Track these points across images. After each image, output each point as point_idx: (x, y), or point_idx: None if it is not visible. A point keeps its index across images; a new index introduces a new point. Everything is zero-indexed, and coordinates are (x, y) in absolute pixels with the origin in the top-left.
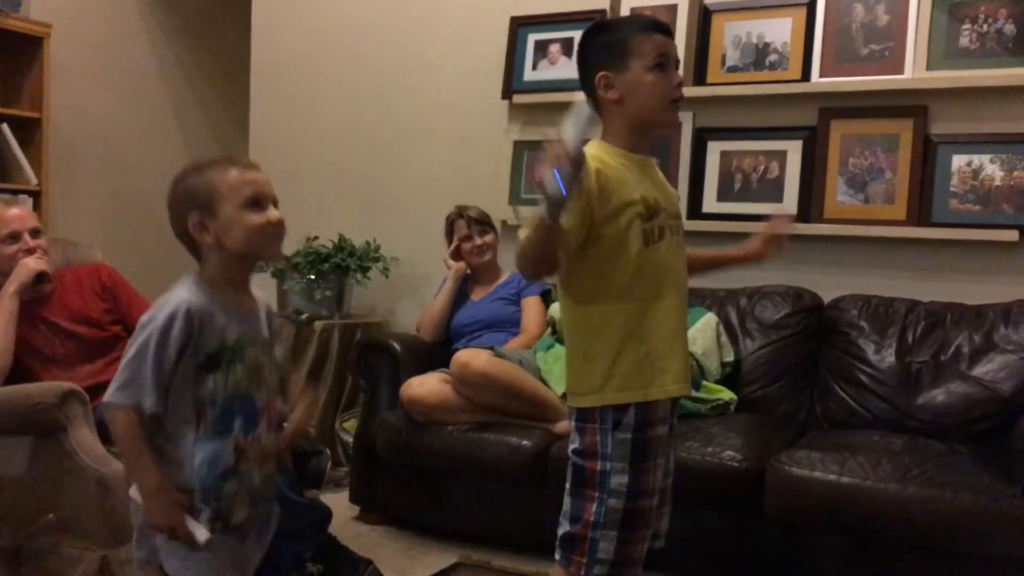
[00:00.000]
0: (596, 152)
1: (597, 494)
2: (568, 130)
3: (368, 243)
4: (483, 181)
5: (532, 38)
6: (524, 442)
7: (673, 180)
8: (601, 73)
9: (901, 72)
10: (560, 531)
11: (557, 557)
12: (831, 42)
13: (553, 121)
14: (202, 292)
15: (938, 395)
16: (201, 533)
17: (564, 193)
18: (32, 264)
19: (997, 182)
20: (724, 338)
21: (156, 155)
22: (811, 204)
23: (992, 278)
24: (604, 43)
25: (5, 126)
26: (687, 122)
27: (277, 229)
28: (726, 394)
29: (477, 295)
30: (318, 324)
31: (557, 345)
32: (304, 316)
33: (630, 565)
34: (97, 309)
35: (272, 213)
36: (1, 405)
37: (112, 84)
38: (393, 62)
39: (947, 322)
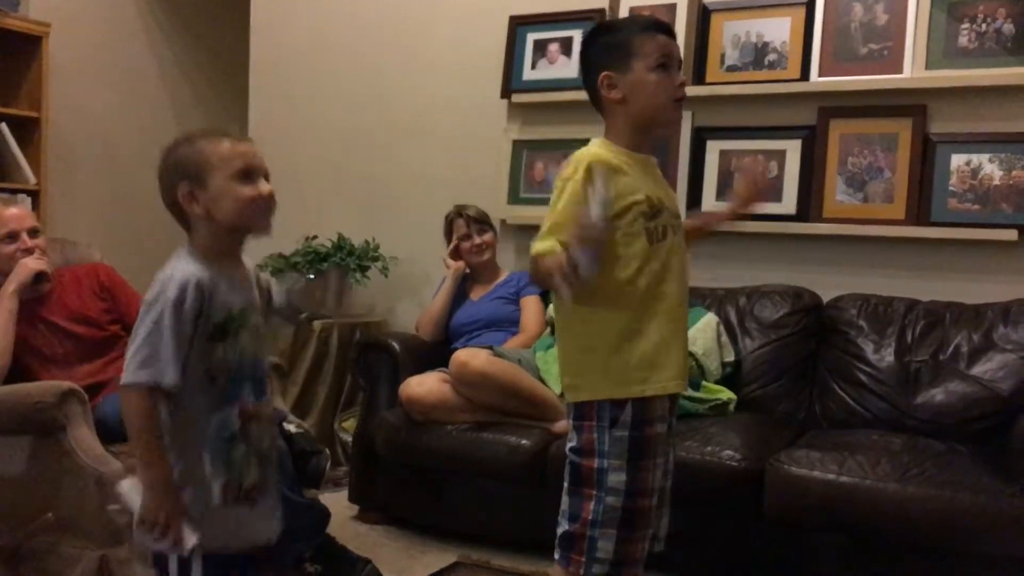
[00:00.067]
0: (599, 152)
1: (595, 492)
2: (594, 210)
3: (367, 242)
4: (482, 180)
5: (531, 37)
6: (523, 441)
7: (672, 179)
8: (604, 73)
9: (900, 71)
10: (559, 530)
11: (556, 556)
12: (830, 41)
13: (553, 120)
14: (202, 263)
15: (937, 394)
16: (190, 540)
17: (596, 270)
18: (32, 264)
19: (996, 181)
20: (724, 338)
21: (155, 155)
22: (810, 203)
23: (991, 277)
24: (607, 44)
25: (4, 125)
26: (686, 121)
27: (267, 202)
28: (725, 394)
29: (476, 294)
30: (317, 323)
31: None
32: (303, 315)
33: (630, 565)
34: (96, 309)
35: (263, 186)
36: (0, 404)
37: (111, 83)
38: (392, 61)
39: (946, 321)
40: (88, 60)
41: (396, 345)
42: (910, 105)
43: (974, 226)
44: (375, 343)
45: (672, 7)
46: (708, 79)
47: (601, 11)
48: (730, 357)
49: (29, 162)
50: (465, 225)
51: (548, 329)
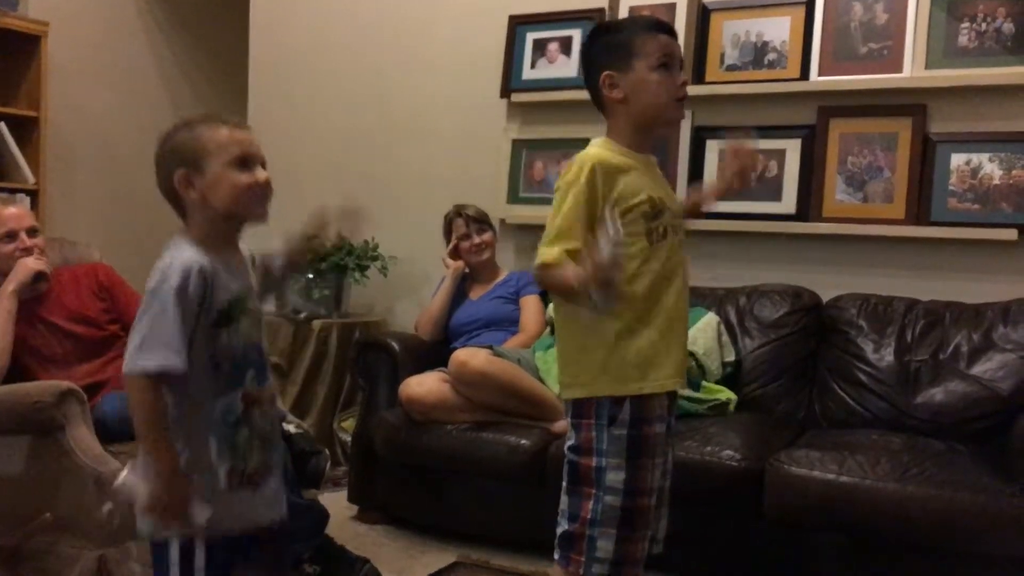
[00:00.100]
0: (601, 152)
1: (593, 491)
2: (606, 249)
3: (366, 242)
4: (482, 180)
5: (531, 37)
6: (523, 441)
7: (672, 179)
8: (606, 72)
9: (900, 71)
10: (559, 530)
11: (556, 557)
12: (830, 41)
13: (552, 120)
14: (201, 250)
15: (937, 394)
16: (202, 515)
17: (615, 304)
18: (32, 264)
19: (996, 181)
20: (725, 338)
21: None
22: (810, 203)
23: (991, 277)
24: (608, 43)
25: (3, 125)
26: (686, 121)
27: (264, 190)
28: (725, 394)
29: (475, 294)
30: (316, 323)
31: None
32: (302, 315)
33: (630, 565)
34: (95, 308)
35: (260, 174)
36: None
37: (110, 83)
38: (392, 61)
39: (946, 321)
40: (87, 59)
41: (395, 345)
42: (910, 104)
43: (974, 225)
44: (374, 343)
45: (672, 6)
46: (708, 78)
47: (600, 10)
48: (731, 357)
49: (28, 162)
50: (464, 225)
51: (548, 329)
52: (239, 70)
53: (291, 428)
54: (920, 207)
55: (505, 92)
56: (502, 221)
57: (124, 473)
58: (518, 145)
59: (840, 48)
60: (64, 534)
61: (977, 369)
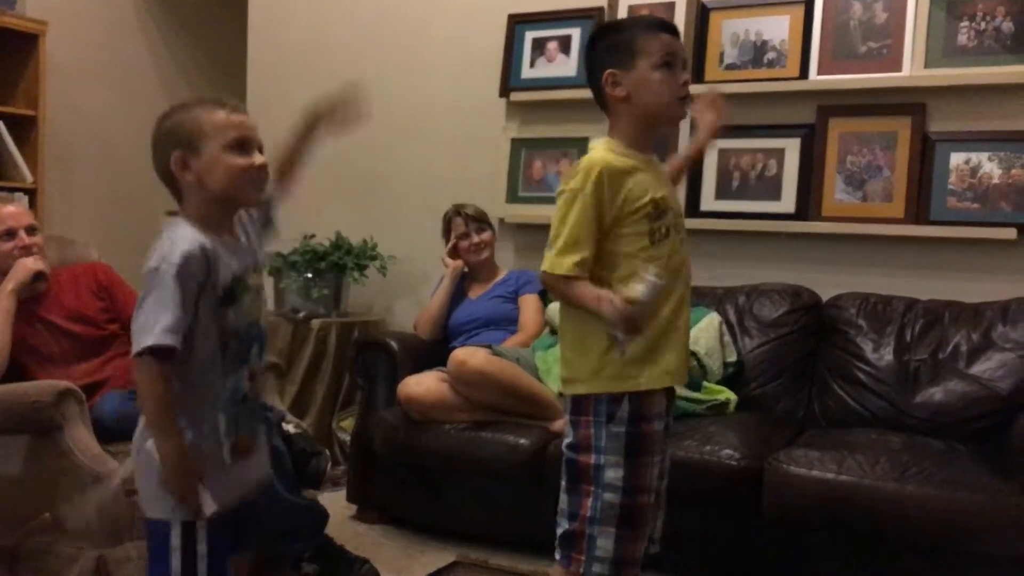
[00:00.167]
0: (606, 156)
1: (592, 488)
2: (643, 297)
3: (365, 241)
4: (481, 179)
5: (530, 36)
6: (522, 440)
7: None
8: (608, 71)
9: (899, 70)
10: (559, 530)
11: (557, 557)
12: (829, 40)
13: (551, 119)
14: (200, 230)
15: (936, 393)
16: (209, 505)
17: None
18: (31, 264)
19: (995, 180)
20: (727, 338)
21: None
22: (809, 202)
23: (990, 276)
24: (611, 42)
25: (1, 124)
26: (685, 120)
27: (260, 174)
28: (725, 394)
29: (475, 293)
30: (315, 322)
31: (557, 345)
32: (301, 314)
33: (630, 564)
34: (93, 308)
35: (256, 158)
36: None
37: (108, 82)
38: (391, 60)
39: (945, 320)
40: (86, 59)
41: (394, 344)
42: (909, 103)
43: (973, 225)
44: (373, 342)
45: (671, 5)
46: (707, 77)
47: (600, 9)
48: (732, 357)
49: (26, 161)
50: (463, 224)
51: (547, 328)
52: (238, 70)
53: (291, 428)
54: (919, 206)
55: (504, 91)
56: (501, 220)
57: (125, 465)
58: (517, 144)
59: (839, 47)
60: (63, 534)
61: (976, 368)
